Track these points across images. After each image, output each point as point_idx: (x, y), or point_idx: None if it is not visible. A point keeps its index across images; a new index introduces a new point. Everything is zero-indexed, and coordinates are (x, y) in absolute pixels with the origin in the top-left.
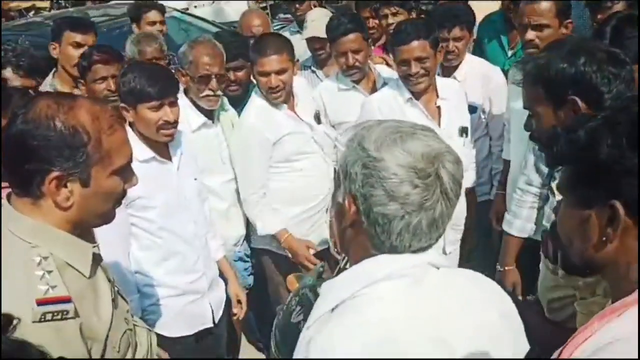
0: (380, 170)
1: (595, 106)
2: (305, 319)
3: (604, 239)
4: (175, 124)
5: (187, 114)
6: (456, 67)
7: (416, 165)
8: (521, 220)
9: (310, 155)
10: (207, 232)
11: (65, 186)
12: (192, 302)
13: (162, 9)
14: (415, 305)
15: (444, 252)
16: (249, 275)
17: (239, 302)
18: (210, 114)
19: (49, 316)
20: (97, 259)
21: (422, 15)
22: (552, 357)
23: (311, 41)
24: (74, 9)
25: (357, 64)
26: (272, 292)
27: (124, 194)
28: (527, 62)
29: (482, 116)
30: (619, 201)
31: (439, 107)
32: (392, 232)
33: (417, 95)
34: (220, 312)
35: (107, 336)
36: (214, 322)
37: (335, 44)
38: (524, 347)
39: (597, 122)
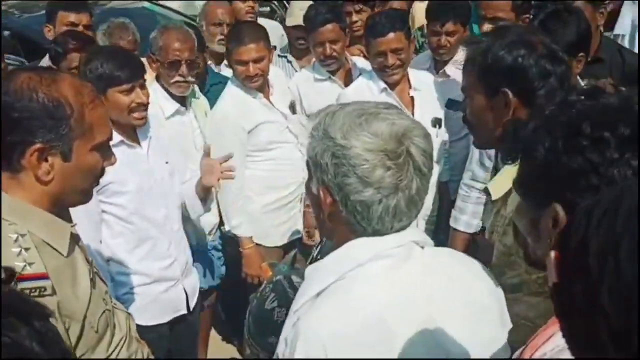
0: (350, 158)
1: (526, 100)
2: (279, 306)
3: (549, 240)
4: (147, 106)
5: (160, 100)
6: (447, 62)
7: (385, 147)
8: (467, 216)
9: (284, 145)
10: (180, 216)
11: (46, 160)
12: (166, 291)
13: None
14: (403, 285)
15: None
16: (222, 265)
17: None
18: (182, 101)
19: (26, 292)
20: (75, 239)
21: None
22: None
23: (295, 29)
24: None
25: (334, 54)
26: (245, 281)
27: (102, 172)
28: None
29: None
30: (559, 204)
31: (412, 98)
32: (372, 217)
33: (391, 86)
34: (195, 299)
35: (85, 315)
36: (188, 309)
37: (314, 34)
38: (508, 322)
39: (538, 122)
